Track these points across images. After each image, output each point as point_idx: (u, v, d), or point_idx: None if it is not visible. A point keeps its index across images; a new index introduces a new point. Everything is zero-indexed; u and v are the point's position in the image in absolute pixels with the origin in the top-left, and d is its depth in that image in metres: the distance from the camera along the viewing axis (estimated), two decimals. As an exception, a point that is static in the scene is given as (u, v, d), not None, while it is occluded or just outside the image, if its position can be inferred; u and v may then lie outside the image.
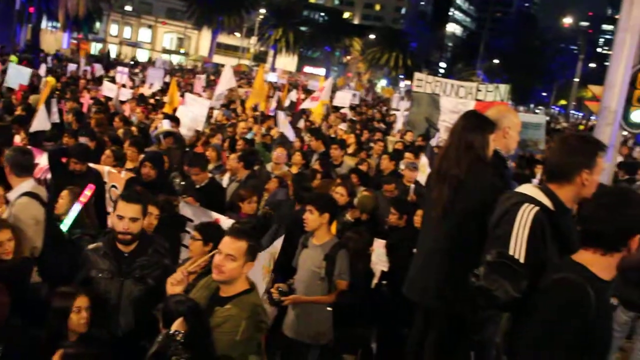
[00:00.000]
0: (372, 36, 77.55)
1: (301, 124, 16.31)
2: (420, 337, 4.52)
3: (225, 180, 8.94)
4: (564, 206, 3.38)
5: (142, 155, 8.24)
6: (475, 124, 4.35)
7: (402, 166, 10.29)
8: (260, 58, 78.27)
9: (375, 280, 6.41)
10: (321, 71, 72.91)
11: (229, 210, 7.30)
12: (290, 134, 12.87)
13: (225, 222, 6.19)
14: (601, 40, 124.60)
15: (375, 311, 6.34)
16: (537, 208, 3.32)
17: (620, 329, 7.29)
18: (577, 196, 3.39)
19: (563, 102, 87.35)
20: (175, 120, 11.70)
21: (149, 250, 4.63)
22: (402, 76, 71.35)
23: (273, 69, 69.06)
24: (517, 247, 3.26)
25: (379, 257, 6.46)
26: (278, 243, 5.48)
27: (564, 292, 2.66)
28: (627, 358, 7.38)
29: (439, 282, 4.24)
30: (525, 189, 3.51)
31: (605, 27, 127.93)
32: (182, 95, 15.24)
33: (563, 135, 3.58)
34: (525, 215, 3.30)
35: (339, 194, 7.42)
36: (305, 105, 18.49)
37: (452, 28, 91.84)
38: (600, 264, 2.74)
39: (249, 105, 13.91)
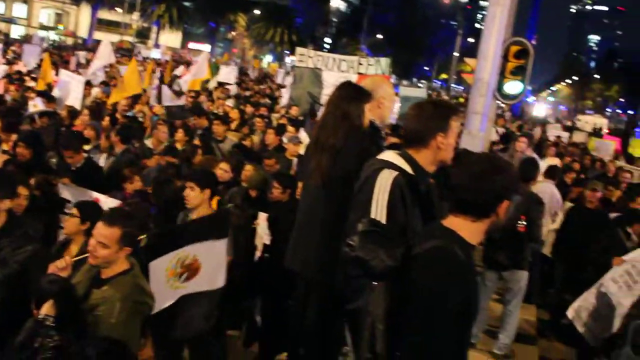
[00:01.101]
0: (257, 12, 76.90)
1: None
2: (302, 307, 4.58)
3: (102, 159, 8.71)
4: (423, 170, 3.49)
5: (15, 135, 7.91)
6: (351, 94, 4.43)
7: (285, 140, 10.36)
8: (143, 34, 76.12)
9: (258, 254, 6.45)
10: (206, 47, 71.68)
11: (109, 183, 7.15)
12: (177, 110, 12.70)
13: (106, 201, 6.03)
14: (479, 16, 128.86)
15: (259, 285, 6.39)
16: (396, 173, 3.41)
17: (487, 288, 7.70)
18: (435, 160, 3.50)
19: (444, 76, 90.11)
20: (50, 99, 11.26)
21: (16, 232, 4.44)
22: (287, 52, 71.29)
23: (157, 46, 67.32)
24: (378, 211, 3.34)
25: (263, 230, 6.50)
26: (196, 249, 5.11)
27: (439, 259, 2.70)
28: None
29: (318, 253, 4.31)
30: (386, 155, 3.60)
31: (483, 3, 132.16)
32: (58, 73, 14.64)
33: (417, 103, 3.68)
34: (385, 180, 3.39)
35: (223, 170, 7.40)
36: (183, 81, 18.23)
37: (336, 4, 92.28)
38: (469, 230, 2.80)
39: (111, 102, 13.27)
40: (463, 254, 2.71)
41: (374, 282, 3.01)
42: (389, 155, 3.57)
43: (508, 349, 7.51)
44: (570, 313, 7.08)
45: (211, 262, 5.16)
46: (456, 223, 2.81)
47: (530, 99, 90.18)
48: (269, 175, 7.53)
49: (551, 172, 9.58)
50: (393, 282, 2.85)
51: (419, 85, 79.51)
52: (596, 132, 37.09)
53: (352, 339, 4.07)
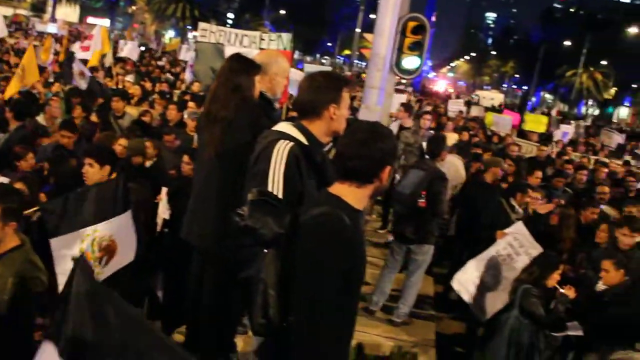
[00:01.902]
0: (157, -15, 75.00)
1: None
2: (199, 280, 4.62)
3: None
4: (317, 141, 3.57)
5: None
6: (241, 66, 4.45)
7: (185, 116, 10.30)
8: (38, 8, 72.88)
9: (158, 229, 6.44)
10: (105, 22, 69.43)
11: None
12: (83, 85, 12.39)
13: (-5, 180, 5.84)
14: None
15: (159, 259, 6.39)
16: (292, 144, 3.47)
17: (394, 259, 7.87)
18: (328, 130, 3.58)
19: (347, 52, 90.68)
20: None
21: None
22: (189, 27, 69.94)
23: (53, 20, 64.67)
24: (275, 183, 3.40)
25: (164, 205, 6.49)
26: (109, 228, 5.03)
27: (325, 225, 2.76)
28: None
29: (213, 225, 4.34)
30: (281, 126, 3.63)
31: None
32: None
33: (309, 74, 3.75)
34: (280, 151, 3.44)
35: (122, 146, 7.31)
36: (79, 56, 17.67)
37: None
38: (354, 195, 2.87)
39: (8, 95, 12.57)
40: (349, 219, 2.78)
41: (264, 250, 3.04)
42: (283, 127, 3.61)
43: (406, 318, 7.67)
44: (455, 285, 7.24)
45: (124, 239, 5.13)
46: (342, 190, 2.88)
47: (431, 74, 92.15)
48: (167, 152, 7.50)
49: (459, 148, 9.85)
50: (283, 249, 2.90)
51: (323, 61, 79.78)
52: (495, 108, 38.33)
53: (246, 307, 4.12)
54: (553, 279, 6.29)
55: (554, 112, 41.18)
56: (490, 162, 9.69)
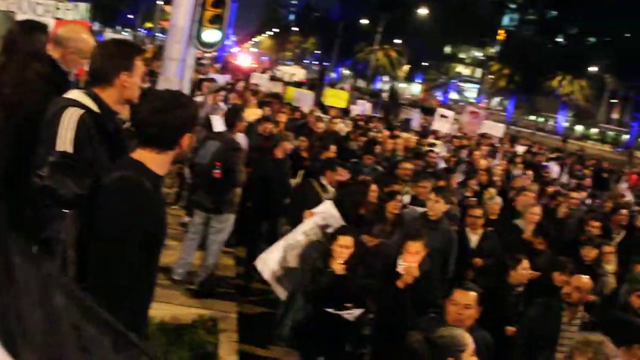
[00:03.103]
0: None
1: None
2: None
3: None
4: (109, 108, 3.55)
5: None
6: (27, 31, 4.28)
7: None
8: None
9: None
10: None
11: None
12: None
13: None
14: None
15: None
16: (82, 111, 3.44)
17: (195, 229, 8.04)
18: (121, 98, 3.58)
19: (149, 24, 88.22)
20: None
21: None
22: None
23: None
24: (62, 148, 3.35)
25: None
26: None
27: (125, 188, 2.84)
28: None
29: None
30: (72, 94, 3.59)
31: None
32: None
33: (101, 41, 3.79)
34: (69, 118, 3.40)
35: None
36: None
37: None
38: (156, 161, 2.96)
39: None
40: (150, 183, 2.89)
41: (64, 210, 3.08)
42: (74, 94, 3.57)
43: (207, 286, 7.79)
44: (259, 264, 7.10)
45: None
46: (143, 156, 2.96)
47: (235, 49, 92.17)
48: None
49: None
50: (82, 210, 2.95)
51: (124, 33, 76.96)
52: (296, 83, 38.76)
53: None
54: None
55: (346, 87, 42.35)
56: (279, 137, 9.83)
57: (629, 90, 72.46)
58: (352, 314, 5.96)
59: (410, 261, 6.01)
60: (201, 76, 18.34)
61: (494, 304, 5.78)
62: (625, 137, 75.29)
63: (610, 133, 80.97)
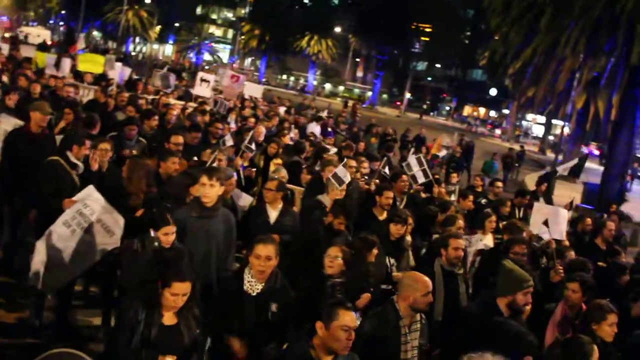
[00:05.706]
0: None
1: None
2: None
3: None
4: None
5: None
6: None
7: None
8: None
9: None
10: None
11: None
12: None
13: None
14: None
15: None
16: None
17: None
18: None
19: None
20: None
21: None
22: None
23: None
24: None
25: None
26: None
27: None
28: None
29: None
30: None
31: None
32: None
33: None
34: None
35: None
36: None
37: None
38: None
39: None
40: None
41: None
42: None
43: None
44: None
45: None
46: None
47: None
48: None
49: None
50: None
51: None
52: (45, 46, 36.56)
53: None
54: None
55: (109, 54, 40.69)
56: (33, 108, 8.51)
57: (371, 49, 77.55)
58: None
59: None
60: None
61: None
62: (369, 94, 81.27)
63: (357, 90, 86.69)
